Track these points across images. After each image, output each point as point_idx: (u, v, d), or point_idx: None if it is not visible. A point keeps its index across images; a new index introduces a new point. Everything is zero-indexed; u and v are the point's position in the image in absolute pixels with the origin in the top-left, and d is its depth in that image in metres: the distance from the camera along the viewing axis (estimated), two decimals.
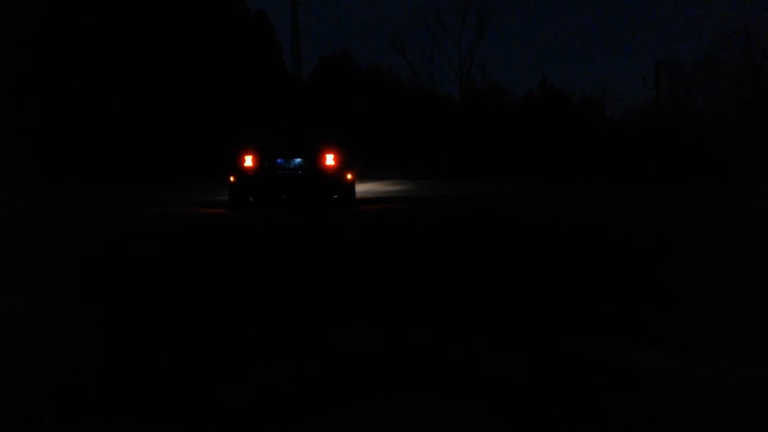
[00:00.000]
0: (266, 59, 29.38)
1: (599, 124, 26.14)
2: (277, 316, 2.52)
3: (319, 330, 2.30)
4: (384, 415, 1.54)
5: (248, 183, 8.85)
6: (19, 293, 3.03)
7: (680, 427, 1.48)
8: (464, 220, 7.09)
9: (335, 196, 9.19)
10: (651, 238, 5.24)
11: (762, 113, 19.64)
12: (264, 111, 23.66)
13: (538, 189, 15.24)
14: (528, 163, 23.63)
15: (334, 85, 31.47)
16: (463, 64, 35.26)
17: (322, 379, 1.80)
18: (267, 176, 8.77)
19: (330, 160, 8.81)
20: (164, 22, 22.94)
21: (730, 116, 21.48)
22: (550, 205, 9.56)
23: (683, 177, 18.36)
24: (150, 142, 21.44)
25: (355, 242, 5.05)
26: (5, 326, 2.43)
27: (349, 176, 9.08)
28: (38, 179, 16.35)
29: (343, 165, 8.92)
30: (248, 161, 8.75)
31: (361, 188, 13.98)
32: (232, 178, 8.96)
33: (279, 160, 8.79)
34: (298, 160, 8.80)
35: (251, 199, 9.28)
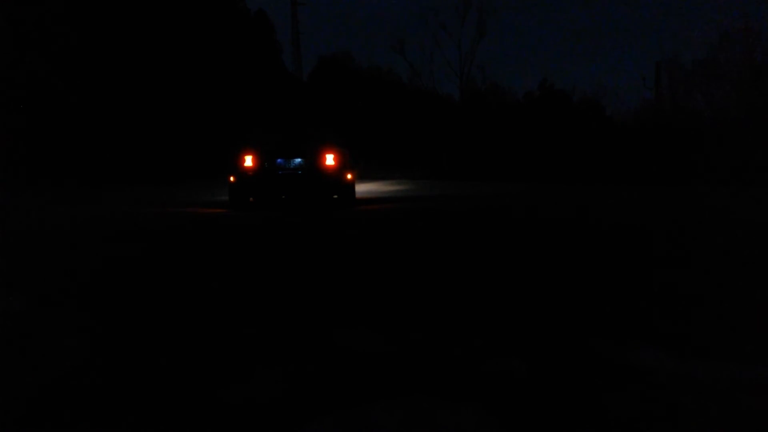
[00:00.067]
0: (266, 59, 29.38)
1: (599, 124, 26.13)
2: (277, 316, 2.52)
3: (319, 330, 2.30)
4: (384, 415, 1.54)
5: (248, 183, 8.85)
6: (18, 293, 3.02)
7: (680, 427, 1.48)
8: (464, 220, 7.09)
9: (335, 196, 9.19)
10: (651, 237, 5.24)
11: (762, 113, 19.64)
12: (264, 111, 23.65)
13: (538, 189, 15.24)
14: (528, 163, 23.62)
15: (334, 85, 31.46)
16: (463, 64, 35.28)
17: (322, 379, 1.80)
18: (267, 176, 8.77)
19: (330, 160, 8.81)
20: (164, 22, 22.94)
21: (730, 116, 21.47)
22: (549, 205, 9.56)
23: (683, 177, 18.35)
24: (150, 142, 21.45)
25: (355, 242, 5.05)
26: (5, 326, 2.43)
27: (349, 176, 9.08)
28: (38, 179, 16.35)
29: (343, 165, 8.92)
30: (248, 161, 8.75)
31: (361, 188, 13.98)
32: (232, 178, 8.96)
33: (279, 160, 8.79)
34: (298, 160, 8.80)
35: (251, 199, 9.28)
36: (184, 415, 1.56)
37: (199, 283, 3.26)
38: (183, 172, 20.89)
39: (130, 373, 1.87)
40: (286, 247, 4.84)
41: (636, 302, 2.75)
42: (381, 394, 1.67)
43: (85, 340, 2.21)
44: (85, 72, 19.99)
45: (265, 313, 2.58)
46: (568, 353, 2.02)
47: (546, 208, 8.72)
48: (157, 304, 2.77)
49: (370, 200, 10.86)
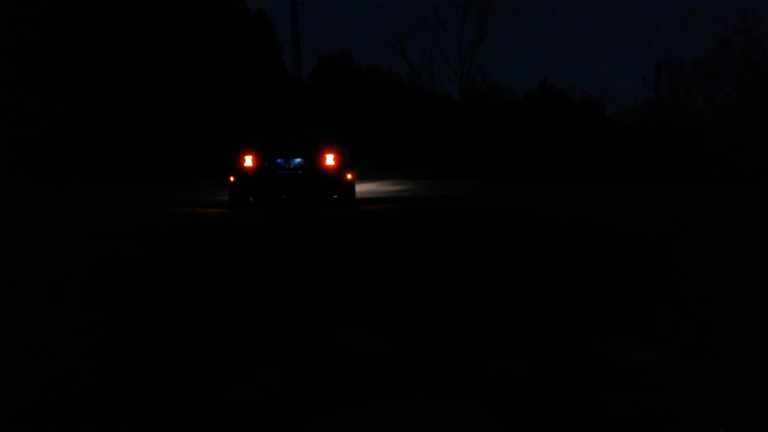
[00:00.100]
0: (266, 59, 29.39)
1: (599, 124, 26.13)
2: (277, 316, 2.52)
3: (319, 330, 2.30)
4: (384, 415, 1.54)
5: (248, 183, 8.85)
6: (18, 293, 3.03)
7: (680, 427, 1.48)
8: (464, 220, 7.09)
9: (335, 196, 9.20)
10: (651, 237, 5.24)
11: (762, 113, 19.63)
12: (264, 111, 23.66)
13: (538, 189, 15.24)
14: (528, 163, 23.63)
15: (334, 85, 31.47)
16: (463, 64, 35.27)
17: (322, 378, 1.80)
18: (267, 176, 8.77)
19: (330, 160, 8.81)
20: (164, 22, 22.94)
21: (730, 116, 21.47)
22: (549, 205, 9.56)
23: (683, 177, 18.36)
24: (150, 142, 21.45)
25: (355, 242, 5.05)
26: (5, 326, 2.43)
27: (349, 176, 9.09)
28: (37, 179, 16.35)
29: (343, 165, 8.92)
30: (248, 161, 8.75)
31: (361, 188, 13.98)
32: (232, 178, 8.96)
33: (279, 160, 8.79)
34: (298, 160, 8.80)
35: (251, 199, 9.28)
36: (184, 415, 1.56)
37: (199, 283, 3.26)
38: (183, 172, 20.90)
39: (130, 373, 1.87)
40: (286, 247, 4.84)
41: (636, 302, 2.75)
42: (381, 394, 1.67)
43: (85, 340, 2.21)
44: (85, 72, 19.99)
45: (265, 313, 2.58)
46: (568, 353, 2.02)
47: (546, 208, 8.72)
48: (157, 304, 2.77)
49: (370, 200, 10.86)
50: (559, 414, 1.56)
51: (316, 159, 8.80)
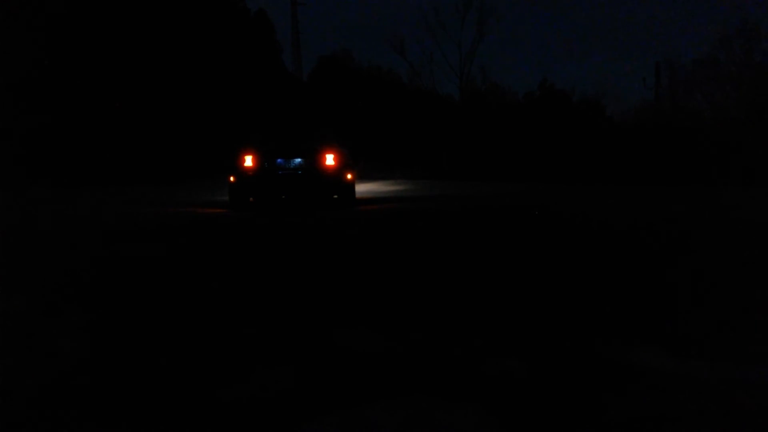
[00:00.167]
0: (266, 59, 29.38)
1: (599, 124, 26.13)
2: (277, 316, 2.52)
3: (319, 330, 2.30)
4: (384, 415, 1.54)
5: (248, 183, 8.85)
6: (18, 293, 3.03)
7: (680, 427, 1.48)
8: (464, 220, 7.09)
9: (335, 196, 9.19)
10: (651, 237, 5.24)
11: (762, 113, 19.64)
12: (264, 111, 23.65)
13: (539, 189, 15.24)
14: (528, 163, 23.62)
15: (334, 85, 31.46)
16: (463, 64, 35.20)
17: (322, 378, 1.80)
18: (267, 176, 8.77)
19: (330, 160, 8.81)
20: (164, 22, 22.94)
21: (730, 116, 21.48)
22: (549, 205, 9.56)
23: (683, 177, 18.35)
24: (150, 142, 21.45)
25: (355, 242, 5.05)
26: (5, 326, 2.43)
27: (349, 176, 9.08)
28: (37, 179, 16.35)
29: (343, 165, 8.92)
30: (248, 161, 8.75)
31: (361, 188, 13.97)
32: (232, 178, 8.96)
33: (279, 160, 8.79)
34: (298, 160, 8.80)
35: (251, 199, 9.28)
36: (184, 415, 1.56)
37: (199, 283, 3.26)
38: (183, 172, 20.89)
39: (130, 373, 1.87)
40: (286, 247, 4.84)
41: (636, 302, 2.75)
42: (381, 394, 1.67)
43: (86, 340, 2.21)
44: (85, 72, 19.99)
45: (265, 313, 2.58)
46: (568, 353, 2.02)
47: (546, 208, 8.72)
48: (157, 304, 2.77)
49: (370, 200, 10.86)
50: (559, 414, 1.56)
51: (316, 159, 8.80)
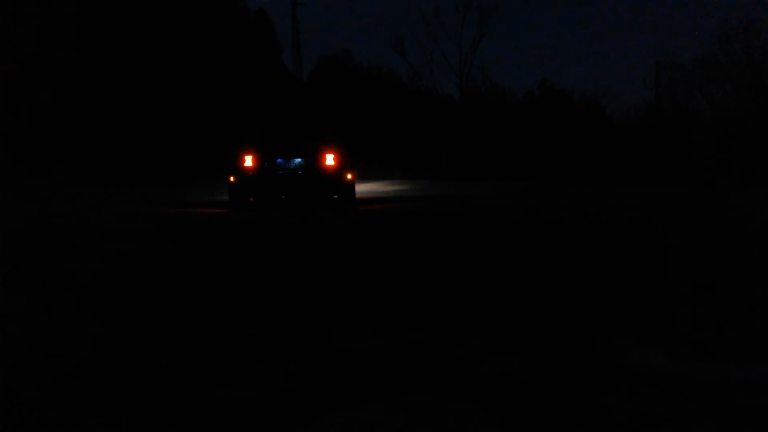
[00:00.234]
0: (266, 59, 29.36)
1: (599, 124, 26.13)
2: (277, 316, 2.52)
3: (319, 330, 2.30)
4: (384, 415, 1.54)
5: (248, 183, 8.85)
6: (18, 293, 3.03)
7: (680, 427, 1.48)
8: (464, 220, 7.09)
9: (335, 196, 9.19)
10: (651, 237, 5.24)
11: (762, 113, 19.63)
12: (264, 111, 23.64)
13: (538, 189, 15.24)
14: (528, 163, 23.63)
15: (334, 85, 31.44)
16: (463, 64, 35.23)
17: (322, 379, 1.80)
18: (267, 176, 8.77)
19: (330, 160, 8.81)
20: (164, 22, 22.93)
21: (730, 116, 21.47)
22: (549, 205, 9.56)
23: (683, 177, 18.36)
24: (150, 141, 21.44)
25: (355, 242, 5.05)
26: (5, 326, 2.43)
27: (349, 176, 9.08)
28: (37, 180, 16.34)
29: (343, 165, 8.92)
30: (248, 161, 8.75)
31: (361, 188, 13.97)
32: (232, 178, 8.96)
33: (279, 160, 8.79)
34: (298, 160, 8.80)
35: (251, 199, 9.28)
36: (184, 415, 1.56)
37: (198, 284, 3.26)
38: (183, 172, 20.88)
39: (130, 373, 1.87)
40: (286, 247, 4.84)
41: (636, 302, 2.75)
42: (381, 394, 1.67)
43: (85, 340, 2.21)
44: (85, 72, 19.99)
45: (265, 313, 2.58)
46: (568, 353, 2.02)
47: (545, 209, 8.72)
48: (157, 304, 2.77)
49: (370, 200, 10.86)
50: (559, 414, 1.56)
51: (316, 159, 8.80)
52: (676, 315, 2.53)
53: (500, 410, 1.57)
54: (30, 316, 2.56)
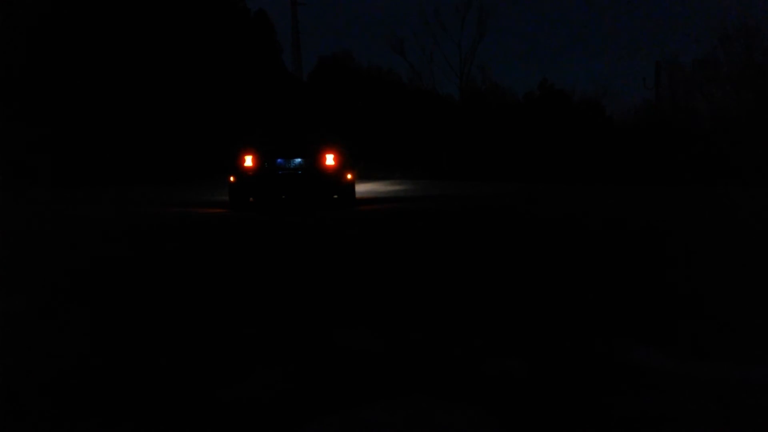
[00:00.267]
0: (266, 59, 29.37)
1: (599, 124, 26.12)
2: (277, 316, 2.52)
3: (319, 330, 2.30)
4: (384, 415, 1.54)
5: (248, 183, 8.85)
6: (18, 293, 3.03)
7: (680, 427, 1.48)
8: (464, 220, 7.09)
9: (335, 196, 9.19)
10: (651, 237, 5.24)
11: (762, 113, 19.64)
12: (264, 111, 23.64)
13: (538, 189, 15.24)
14: (528, 164, 23.62)
15: (334, 85, 31.44)
16: (463, 64, 35.18)
17: (322, 378, 1.80)
18: (267, 176, 8.77)
19: (330, 160, 8.81)
20: (164, 22, 22.94)
21: (730, 116, 21.49)
22: (549, 205, 9.56)
23: (683, 177, 18.36)
24: (150, 142, 21.44)
25: (355, 242, 5.05)
26: (5, 326, 2.43)
27: (349, 176, 9.08)
28: (37, 180, 16.35)
29: (343, 165, 8.92)
30: (248, 161, 8.75)
31: (361, 188, 13.97)
32: (232, 178, 8.96)
33: (279, 160, 8.79)
34: (298, 160, 8.80)
35: (251, 199, 9.28)
36: (184, 415, 1.56)
37: (198, 284, 3.26)
38: (183, 172, 20.88)
39: (130, 373, 1.87)
40: (286, 247, 4.84)
41: (635, 302, 2.75)
42: (381, 394, 1.67)
43: (85, 340, 2.21)
44: (86, 72, 19.99)
45: (265, 313, 2.58)
46: (568, 353, 2.02)
47: (545, 209, 8.72)
48: (158, 305, 2.77)
49: (370, 200, 10.86)
50: (559, 414, 1.56)
51: (316, 159, 8.80)
52: (677, 315, 2.53)
53: (500, 410, 1.57)
54: (30, 316, 2.56)
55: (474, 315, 2.54)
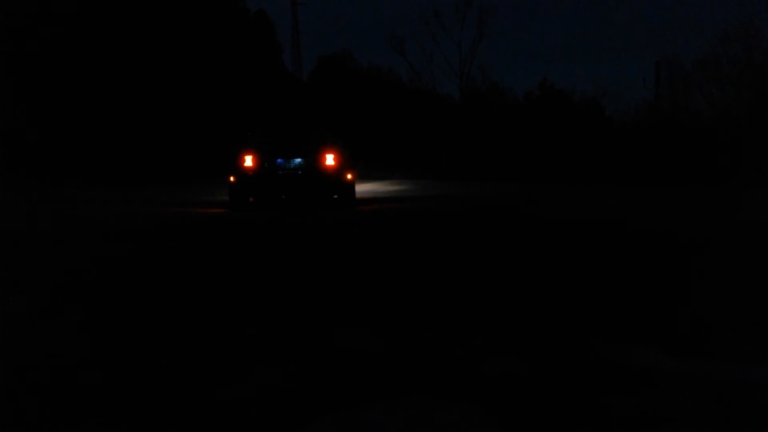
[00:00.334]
0: (266, 59, 29.36)
1: (599, 124, 26.12)
2: (277, 317, 2.52)
3: (319, 330, 2.30)
4: (384, 415, 1.54)
5: (248, 183, 8.85)
6: (19, 293, 3.03)
7: (680, 427, 1.48)
8: (464, 220, 7.09)
9: (335, 196, 9.20)
10: (650, 237, 5.24)
11: (762, 113, 19.64)
12: (264, 111, 23.64)
13: (538, 189, 15.24)
14: (528, 164, 23.61)
15: (334, 85, 31.43)
16: (463, 64, 35.16)
17: (322, 378, 1.80)
18: (267, 176, 8.77)
19: (330, 160, 8.81)
20: (164, 22, 22.94)
21: (730, 116, 21.49)
22: (549, 205, 9.56)
23: (683, 177, 18.36)
24: (150, 141, 21.44)
25: (355, 242, 5.05)
26: (5, 326, 2.43)
27: (349, 176, 9.09)
28: (37, 180, 16.34)
29: (343, 165, 8.92)
30: (248, 161, 8.75)
31: (361, 188, 13.97)
32: (232, 178, 8.96)
33: (279, 160, 8.79)
34: (298, 160, 8.80)
35: (251, 199, 9.28)
36: (184, 415, 1.56)
37: (198, 284, 3.26)
38: (183, 172, 20.88)
39: (130, 373, 1.87)
40: (286, 247, 4.84)
41: (636, 302, 2.75)
42: (381, 394, 1.67)
43: (85, 340, 2.21)
44: (86, 72, 19.99)
45: (265, 313, 2.58)
46: (568, 353, 2.02)
47: (545, 209, 8.72)
48: (158, 305, 2.77)
49: (370, 200, 10.86)
50: (559, 414, 1.56)
51: (316, 159, 8.80)
52: (677, 315, 2.53)
53: (500, 410, 1.57)
54: (30, 316, 2.56)
55: (474, 315, 2.54)
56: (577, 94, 31.03)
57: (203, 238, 5.48)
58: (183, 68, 23.27)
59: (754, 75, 21.54)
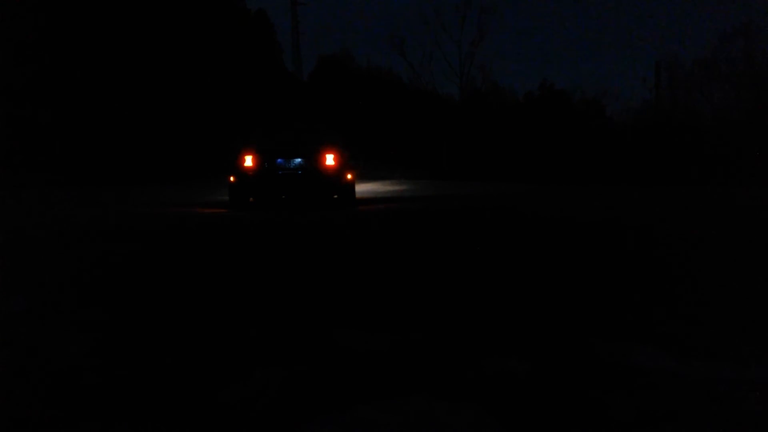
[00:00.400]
0: (266, 59, 29.37)
1: (599, 124, 26.11)
2: (277, 317, 2.52)
3: (319, 330, 2.30)
4: (384, 415, 1.54)
5: (248, 183, 8.86)
6: (19, 293, 3.03)
7: (680, 427, 1.48)
8: (464, 220, 7.09)
9: (335, 196, 9.20)
10: (651, 237, 5.24)
11: (762, 113, 19.64)
12: (264, 111, 23.65)
13: (538, 190, 15.24)
14: (528, 164, 23.61)
15: (334, 85, 31.43)
16: (463, 64, 35.15)
17: (322, 378, 1.80)
18: (267, 176, 8.78)
19: (330, 160, 8.82)
20: (165, 22, 22.94)
21: (730, 116, 21.50)
22: (548, 205, 9.56)
23: (683, 177, 18.36)
24: (150, 142, 21.46)
25: (355, 242, 5.05)
26: (5, 326, 2.43)
27: (349, 176, 9.09)
28: (37, 180, 16.35)
29: (343, 165, 8.93)
30: (248, 161, 8.76)
31: (361, 188, 13.97)
32: (232, 178, 8.96)
33: (279, 160, 8.80)
34: (298, 160, 8.81)
35: (251, 199, 9.29)
36: (184, 416, 1.56)
37: (198, 284, 3.26)
38: (183, 172, 20.89)
39: (130, 374, 1.87)
40: (286, 247, 4.84)
41: (636, 302, 2.75)
42: (381, 394, 1.67)
43: (86, 340, 2.21)
44: (86, 72, 19.99)
45: (265, 314, 2.58)
46: (568, 353, 2.02)
47: (545, 209, 8.72)
48: (158, 305, 2.77)
49: (370, 200, 10.86)
50: (559, 414, 1.56)
51: (316, 159, 8.80)
52: (677, 315, 2.53)
53: (500, 410, 1.57)
54: (30, 316, 2.56)
55: (474, 315, 2.54)
56: (577, 94, 31.03)
57: (203, 238, 5.48)
58: (183, 68, 23.28)
59: (754, 75, 21.54)
